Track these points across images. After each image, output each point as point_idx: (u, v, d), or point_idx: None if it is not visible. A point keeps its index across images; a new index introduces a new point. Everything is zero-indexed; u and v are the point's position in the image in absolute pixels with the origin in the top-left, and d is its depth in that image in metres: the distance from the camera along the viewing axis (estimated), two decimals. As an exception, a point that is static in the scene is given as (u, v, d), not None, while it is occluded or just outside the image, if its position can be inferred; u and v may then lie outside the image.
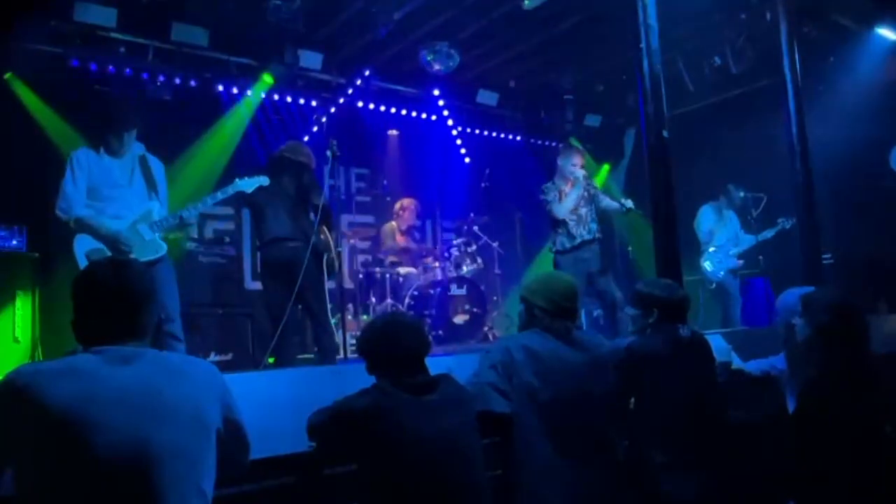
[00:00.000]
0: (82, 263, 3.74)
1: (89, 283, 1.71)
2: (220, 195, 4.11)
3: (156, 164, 4.14)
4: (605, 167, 9.07)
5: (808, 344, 2.94)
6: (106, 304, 1.68)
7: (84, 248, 3.82)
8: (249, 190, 4.22)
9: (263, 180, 4.28)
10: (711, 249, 6.63)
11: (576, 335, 2.65)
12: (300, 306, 4.53)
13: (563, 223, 5.25)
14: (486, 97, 8.14)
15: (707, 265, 6.60)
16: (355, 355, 5.21)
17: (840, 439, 2.56)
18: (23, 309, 4.47)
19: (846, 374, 2.65)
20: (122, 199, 3.95)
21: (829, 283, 4.70)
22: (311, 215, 4.44)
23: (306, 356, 5.16)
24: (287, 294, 4.29)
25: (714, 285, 6.59)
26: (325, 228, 4.58)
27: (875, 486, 2.51)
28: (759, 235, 6.62)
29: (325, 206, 4.50)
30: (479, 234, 7.01)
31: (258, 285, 7.24)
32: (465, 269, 6.60)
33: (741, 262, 6.67)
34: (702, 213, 6.77)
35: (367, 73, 7.10)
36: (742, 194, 6.65)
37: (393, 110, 7.81)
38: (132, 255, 3.76)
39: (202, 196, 4.17)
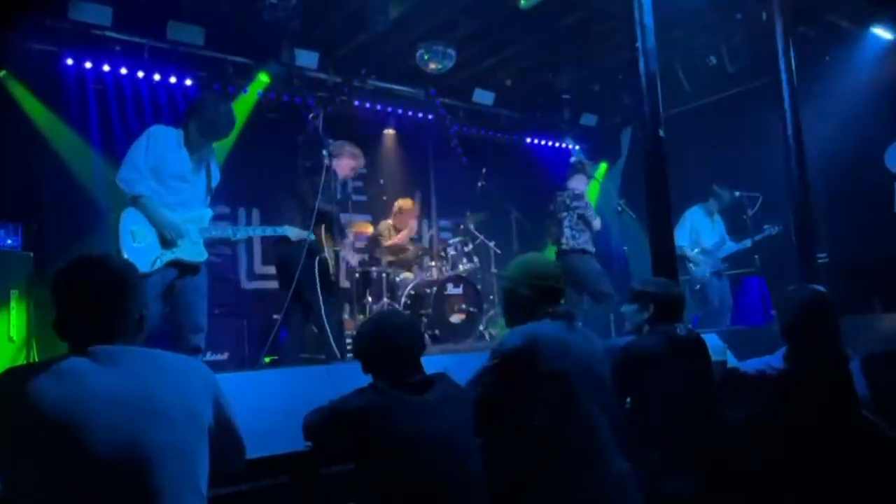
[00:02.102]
0: (125, 239, 3.61)
1: (70, 281, 1.66)
2: (269, 231, 4.39)
3: (215, 174, 4.10)
4: (602, 166, 9.09)
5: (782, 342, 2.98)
6: (89, 302, 1.64)
7: (130, 224, 3.67)
8: (293, 238, 4.35)
9: (305, 235, 4.36)
10: (697, 250, 6.65)
11: (576, 324, 2.57)
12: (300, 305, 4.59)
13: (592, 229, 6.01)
14: (483, 96, 8.14)
15: (693, 266, 6.62)
16: (352, 355, 5.23)
17: (806, 436, 2.58)
18: (17, 308, 4.46)
19: (812, 373, 2.67)
20: (183, 194, 3.85)
21: (803, 282, 4.71)
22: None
23: (304, 355, 5.15)
24: (286, 293, 4.36)
25: (699, 286, 6.62)
26: (322, 230, 4.60)
27: (839, 483, 2.52)
28: (740, 243, 6.65)
29: (324, 210, 4.51)
30: (476, 233, 7.01)
31: (254, 285, 7.26)
32: (461, 268, 6.60)
33: (725, 264, 6.69)
34: (690, 214, 6.79)
35: (363, 72, 7.09)
36: (734, 193, 6.65)
37: (389, 109, 7.80)
38: (179, 248, 3.72)
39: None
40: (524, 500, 2.34)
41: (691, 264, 6.61)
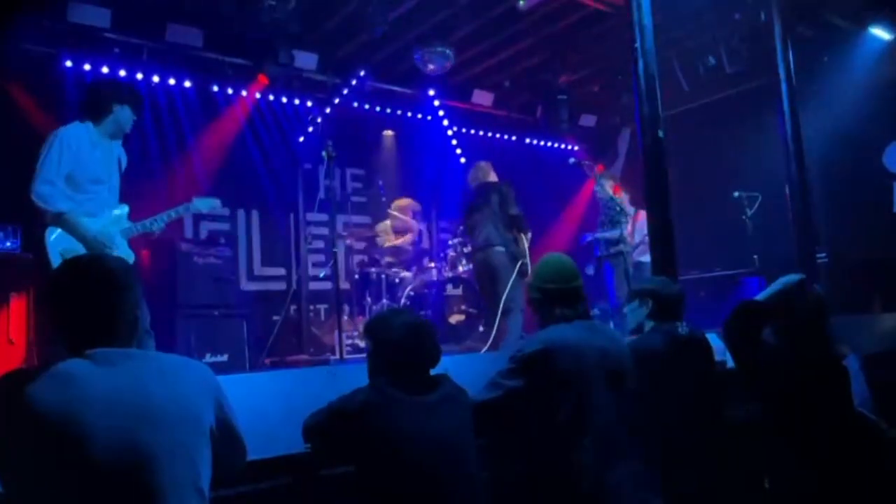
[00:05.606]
0: (55, 262, 3.38)
1: (66, 283, 1.66)
2: (173, 214, 3.83)
3: (124, 162, 3.81)
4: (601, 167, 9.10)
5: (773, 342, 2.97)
6: (83, 304, 1.63)
7: (59, 245, 3.41)
8: (205, 210, 4.08)
9: (216, 203, 4.14)
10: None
11: (596, 324, 2.59)
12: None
13: None
14: (482, 97, 8.15)
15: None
16: (352, 356, 5.23)
17: (802, 436, 2.58)
18: (18, 310, 4.45)
19: (806, 373, 2.67)
20: (100, 197, 3.57)
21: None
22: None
23: (303, 356, 5.15)
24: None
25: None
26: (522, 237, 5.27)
27: (838, 482, 2.53)
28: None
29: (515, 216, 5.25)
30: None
31: (254, 286, 7.26)
32: (461, 268, 6.60)
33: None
34: None
35: (362, 73, 7.09)
36: (737, 194, 6.64)
37: (388, 111, 7.81)
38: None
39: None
40: (537, 498, 2.36)
41: None
